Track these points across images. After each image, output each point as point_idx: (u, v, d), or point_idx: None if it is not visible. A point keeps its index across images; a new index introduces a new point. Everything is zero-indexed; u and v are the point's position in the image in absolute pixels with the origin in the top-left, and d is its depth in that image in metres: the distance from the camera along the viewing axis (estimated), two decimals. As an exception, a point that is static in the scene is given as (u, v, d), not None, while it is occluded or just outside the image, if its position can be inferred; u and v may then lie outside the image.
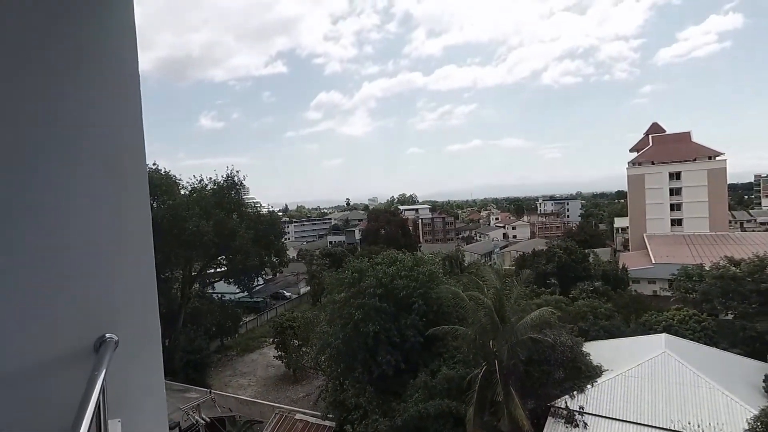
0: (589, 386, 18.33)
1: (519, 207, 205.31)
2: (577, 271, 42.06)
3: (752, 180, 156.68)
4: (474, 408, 17.32)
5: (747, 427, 14.47)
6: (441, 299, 23.41)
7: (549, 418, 18.05)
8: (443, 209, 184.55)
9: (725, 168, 62.77)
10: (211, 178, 40.27)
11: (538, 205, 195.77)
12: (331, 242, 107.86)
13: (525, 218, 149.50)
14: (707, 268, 32.83)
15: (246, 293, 47.14)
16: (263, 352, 41.96)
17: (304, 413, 28.82)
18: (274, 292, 63.51)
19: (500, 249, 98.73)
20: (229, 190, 40.11)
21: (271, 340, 38.03)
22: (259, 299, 57.28)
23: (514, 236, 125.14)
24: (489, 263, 67.59)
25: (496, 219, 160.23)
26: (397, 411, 20.21)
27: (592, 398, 18.20)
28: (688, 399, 17.35)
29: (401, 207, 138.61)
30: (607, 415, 17.63)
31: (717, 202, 62.24)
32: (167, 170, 38.72)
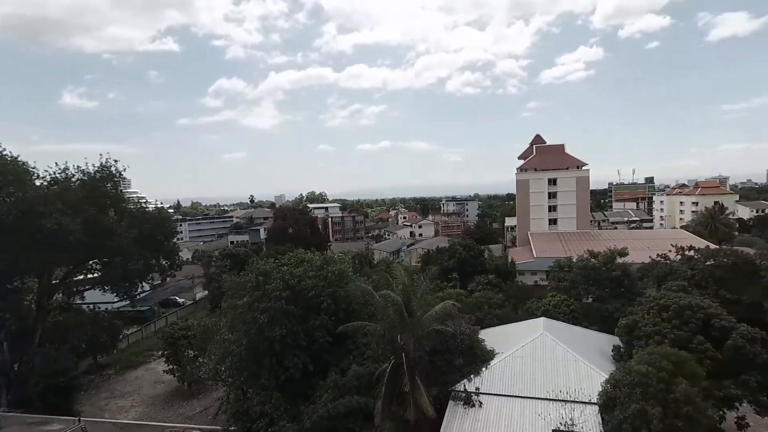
0: (484, 369, 20.66)
1: (425, 207, 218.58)
2: (474, 266, 46.40)
3: (607, 187, 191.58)
4: (382, 401, 18.29)
5: (600, 389, 17.78)
6: (350, 297, 24.00)
7: (450, 401, 19.91)
8: (353, 208, 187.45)
9: (588, 176, 74.49)
10: (79, 168, 34.95)
11: (442, 205, 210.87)
12: (232, 242, 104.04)
13: (430, 217, 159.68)
14: (575, 260, 38.76)
15: (127, 302, 42.35)
16: (150, 367, 38.95)
17: (201, 429, 27.41)
18: (164, 298, 59.54)
19: (407, 247, 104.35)
20: (104, 183, 35.80)
21: (161, 352, 35.53)
22: (145, 308, 53.02)
23: (420, 234, 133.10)
24: (397, 260, 70.67)
25: (404, 218, 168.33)
26: (306, 414, 20.26)
27: (486, 379, 20.60)
28: (561, 371, 20.76)
29: (311, 205, 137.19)
30: (498, 393, 20.14)
31: (582, 205, 73.80)
32: (15, 155, 32.35)
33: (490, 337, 24.12)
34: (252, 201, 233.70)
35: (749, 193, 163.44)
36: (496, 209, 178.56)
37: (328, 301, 22.74)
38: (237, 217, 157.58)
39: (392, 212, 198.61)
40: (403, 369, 18.37)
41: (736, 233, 71.78)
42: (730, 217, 79.91)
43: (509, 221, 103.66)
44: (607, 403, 17.14)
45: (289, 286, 22.68)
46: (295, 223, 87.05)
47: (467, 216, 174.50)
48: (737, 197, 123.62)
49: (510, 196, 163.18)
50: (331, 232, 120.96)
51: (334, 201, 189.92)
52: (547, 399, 19.04)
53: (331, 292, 23.28)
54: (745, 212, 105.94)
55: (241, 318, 23.08)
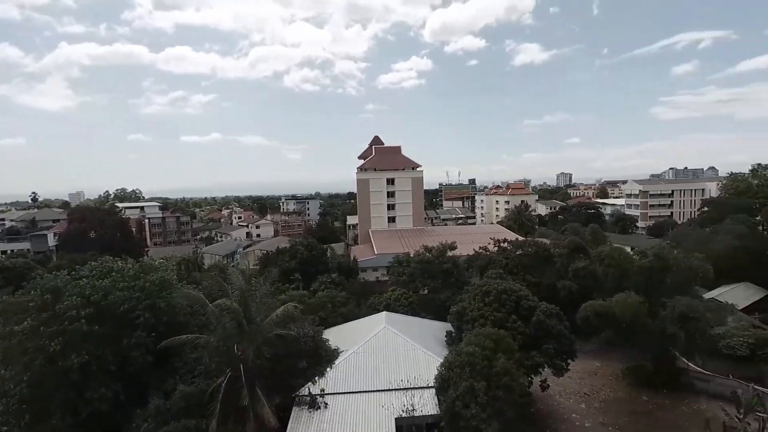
0: (329, 369, 21.02)
1: (263, 206, 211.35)
2: (317, 266, 46.84)
3: (437, 187, 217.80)
4: (217, 419, 16.97)
5: (436, 373, 20.00)
6: (176, 308, 22.02)
7: (294, 407, 19.68)
8: (177, 207, 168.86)
9: (422, 177, 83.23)
10: None
11: (281, 204, 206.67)
12: (4, 252, 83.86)
13: (269, 217, 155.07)
14: (412, 255, 42.77)
15: None
16: None
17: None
18: None
19: (244, 249, 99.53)
20: None
21: None
22: None
23: (258, 235, 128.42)
24: (233, 264, 66.43)
25: (239, 218, 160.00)
26: (118, 453, 17.62)
27: (331, 379, 21.07)
28: (402, 361, 22.65)
29: (121, 204, 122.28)
30: (344, 391, 20.83)
31: (417, 203, 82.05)
32: None
33: (335, 335, 24.74)
34: (35, 199, 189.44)
35: (545, 193, 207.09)
36: (337, 208, 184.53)
37: (146, 315, 20.44)
38: (12, 220, 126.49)
39: (225, 212, 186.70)
40: (241, 381, 17.38)
41: (537, 227, 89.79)
42: (533, 213, 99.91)
43: (351, 219, 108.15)
44: (442, 385, 19.40)
45: (90, 303, 19.78)
46: (100, 226, 75.18)
47: (309, 215, 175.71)
48: (537, 197, 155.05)
49: (351, 195, 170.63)
50: (149, 235, 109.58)
51: (151, 199, 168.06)
52: (390, 390, 20.52)
53: (149, 304, 21.02)
54: (542, 209, 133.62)
55: (21, 348, 19.19)
